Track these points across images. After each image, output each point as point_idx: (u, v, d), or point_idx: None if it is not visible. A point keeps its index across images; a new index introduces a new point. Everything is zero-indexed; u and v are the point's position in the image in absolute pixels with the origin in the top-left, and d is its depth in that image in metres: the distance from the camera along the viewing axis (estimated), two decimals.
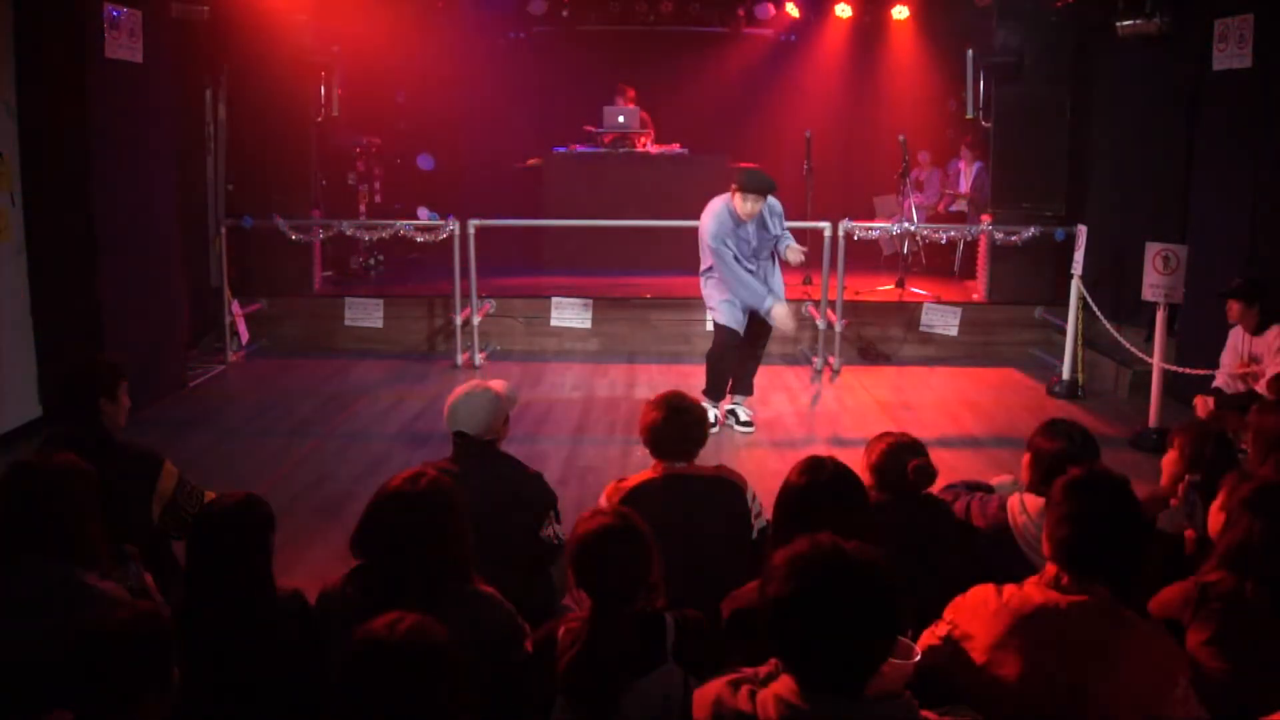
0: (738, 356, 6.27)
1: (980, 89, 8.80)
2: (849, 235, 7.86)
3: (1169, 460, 3.47)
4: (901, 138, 9.58)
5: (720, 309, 6.19)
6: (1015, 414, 6.81)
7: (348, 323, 8.48)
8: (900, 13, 11.21)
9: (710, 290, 6.26)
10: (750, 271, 6.06)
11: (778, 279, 6.28)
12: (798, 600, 1.86)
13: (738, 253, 6.02)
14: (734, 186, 5.96)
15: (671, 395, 3.50)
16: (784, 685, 1.89)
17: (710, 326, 6.54)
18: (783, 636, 1.89)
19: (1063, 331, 7.55)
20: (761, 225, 6.07)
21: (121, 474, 3.21)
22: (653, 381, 7.46)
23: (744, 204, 5.92)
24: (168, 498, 3.38)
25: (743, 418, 6.37)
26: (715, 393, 6.31)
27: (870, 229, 8.31)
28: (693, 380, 6.39)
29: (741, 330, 6.16)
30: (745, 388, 6.44)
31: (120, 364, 3.65)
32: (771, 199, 6.07)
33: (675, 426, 3.40)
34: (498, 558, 3.20)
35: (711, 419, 6.20)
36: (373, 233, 8.37)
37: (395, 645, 1.91)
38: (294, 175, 8.69)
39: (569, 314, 8.48)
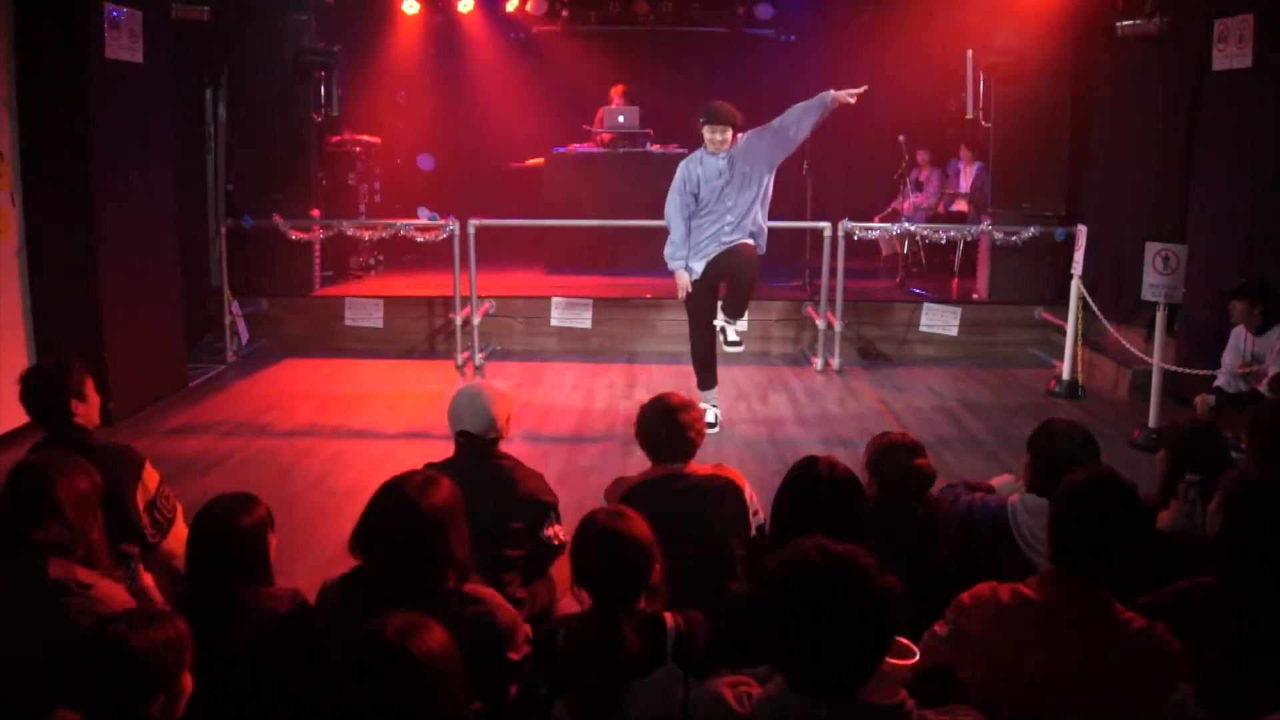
0: (711, 307, 6.20)
1: (980, 89, 8.80)
2: (849, 235, 7.87)
3: (1160, 459, 3.49)
4: (901, 138, 9.59)
5: (680, 260, 6.16)
6: (1015, 414, 6.81)
7: (348, 323, 8.48)
8: (899, 12, 11.20)
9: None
10: (727, 230, 6.01)
11: (757, 222, 6.11)
12: (786, 606, 1.86)
13: (710, 193, 5.97)
14: (701, 121, 6.01)
15: (665, 398, 3.48)
16: (779, 686, 1.89)
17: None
18: (773, 642, 1.89)
19: (1063, 331, 7.55)
20: (745, 164, 5.96)
21: (104, 473, 3.20)
22: (653, 381, 7.46)
23: (710, 134, 5.95)
24: (150, 496, 3.39)
25: (730, 336, 6.18)
26: (704, 379, 6.26)
27: (870, 229, 8.31)
28: (693, 380, 6.39)
29: (699, 275, 6.09)
30: (733, 311, 6.21)
31: (83, 361, 3.64)
32: (744, 139, 6.01)
33: (670, 430, 3.39)
34: (498, 558, 3.20)
35: (711, 419, 6.21)
36: (373, 233, 8.38)
37: (394, 645, 1.91)
38: (294, 175, 8.69)
39: (569, 314, 8.48)
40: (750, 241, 6.09)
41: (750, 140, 6.03)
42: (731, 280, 6.16)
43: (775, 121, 6.06)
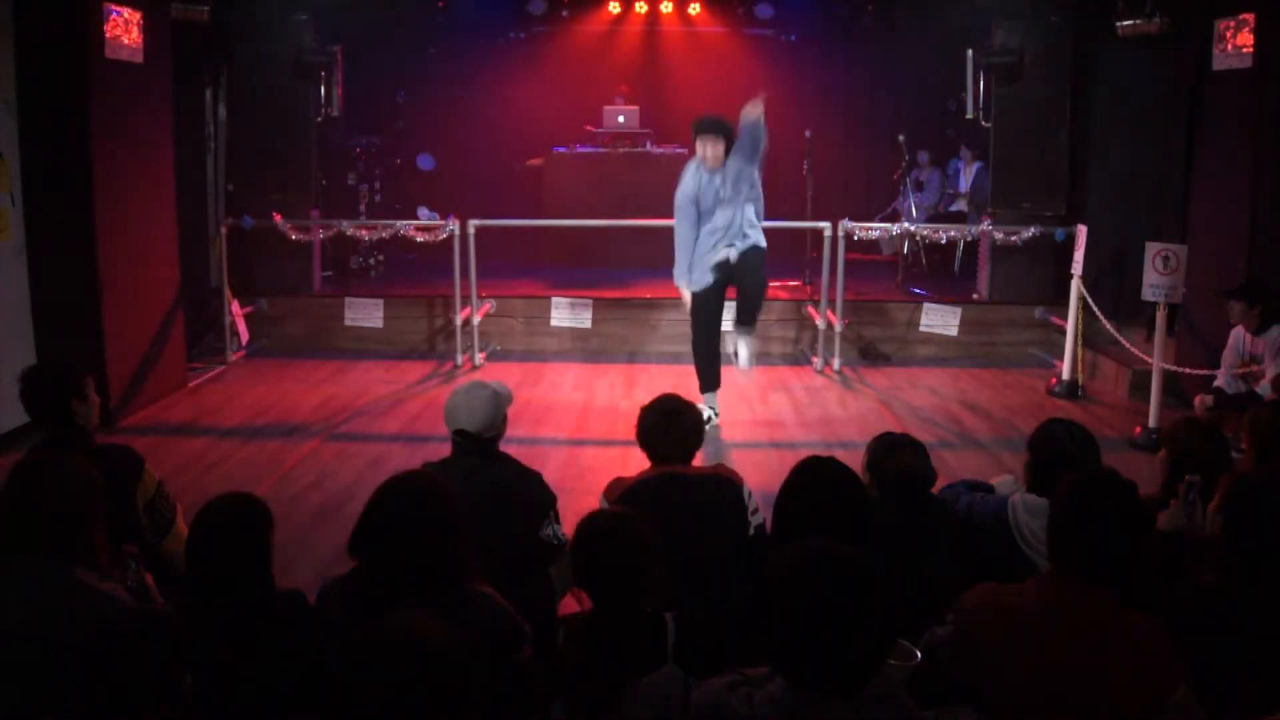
0: (717, 310, 6.21)
1: (980, 89, 8.80)
2: (849, 235, 7.87)
3: (1160, 459, 3.48)
4: (901, 138, 9.58)
5: (684, 276, 6.18)
6: (1015, 414, 6.81)
7: (348, 323, 8.48)
8: (898, 12, 11.20)
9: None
10: (720, 234, 6.05)
11: (748, 218, 6.13)
12: (790, 607, 1.86)
13: (708, 204, 6.01)
14: (693, 134, 6.04)
15: (665, 399, 3.49)
16: (780, 687, 1.89)
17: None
18: (776, 642, 1.89)
19: (1063, 331, 7.55)
20: (736, 178, 6.01)
21: (104, 473, 3.20)
22: (653, 382, 7.45)
23: (703, 149, 5.97)
24: (149, 496, 3.39)
25: (743, 357, 6.25)
26: (707, 382, 6.27)
27: (870, 229, 8.31)
28: (693, 380, 6.39)
29: (711, 283, 6.11)
30: (746, 316, 6.27)
31: (83, 360, 3.66)
32: (755, 172, 6.06)
33: (670, 431, 3.39)
34: (497, 558, 3.20)
35: (707, 417, 6.21)
36: (373, 233, 8.37)
37: (394, 645, 1.91)
38: (294, 175, 8.69)
39: (569, 314, 8.48)
40: (758, 244, 6.11)
41: (734, 160, 6.05)
42: (741, 282, 6.18)
43: (740, 147, 6.02)
